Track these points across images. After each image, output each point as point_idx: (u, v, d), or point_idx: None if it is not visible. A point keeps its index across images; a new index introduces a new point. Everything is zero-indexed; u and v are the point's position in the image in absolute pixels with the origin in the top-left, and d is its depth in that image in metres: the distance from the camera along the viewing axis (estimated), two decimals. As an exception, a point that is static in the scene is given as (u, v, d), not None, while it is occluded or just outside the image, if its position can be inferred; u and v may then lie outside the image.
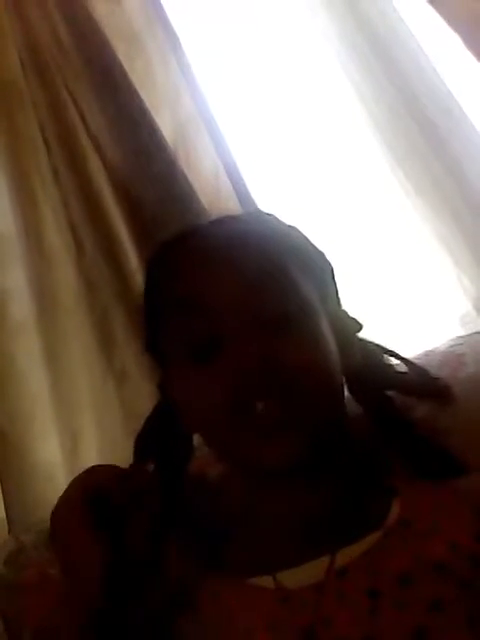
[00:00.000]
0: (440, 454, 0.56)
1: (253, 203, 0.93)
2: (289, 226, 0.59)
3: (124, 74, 0.97)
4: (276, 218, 0.60)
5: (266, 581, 0.49)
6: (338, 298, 0.60)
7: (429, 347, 0.74)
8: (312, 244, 0.59)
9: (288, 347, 0.51)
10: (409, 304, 0.95)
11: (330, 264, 0.60)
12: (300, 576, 0.49)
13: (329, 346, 0.54)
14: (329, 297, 0.58)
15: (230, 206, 0.91)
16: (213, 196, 0.93)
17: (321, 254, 0.59)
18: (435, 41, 0.98)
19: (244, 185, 0.95)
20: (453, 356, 0.70)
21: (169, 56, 1.02)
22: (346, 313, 0.60)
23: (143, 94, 0.96)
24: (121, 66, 0.98)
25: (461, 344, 0.72)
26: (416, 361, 0.63)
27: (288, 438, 0.50)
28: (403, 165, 0.97)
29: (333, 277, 0.60)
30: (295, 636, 0.45)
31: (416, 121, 0.96)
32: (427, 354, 0.72)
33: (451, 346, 0.73)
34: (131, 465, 0.61)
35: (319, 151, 1.01)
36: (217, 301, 0.52)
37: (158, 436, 0.62)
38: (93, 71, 0.99)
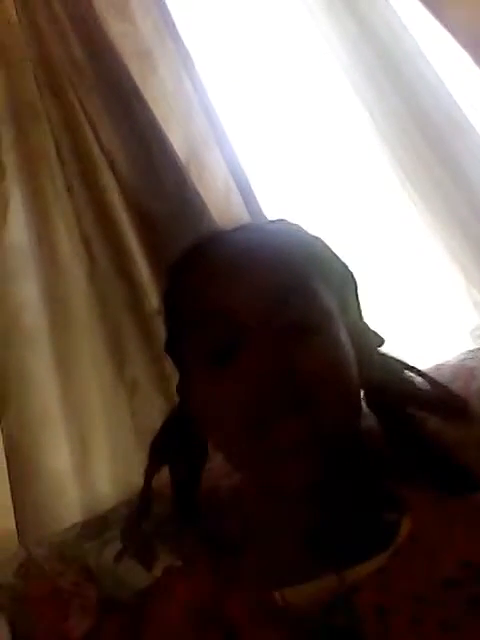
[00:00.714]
0: (457, 470, 0.55)
1: (264, 218, 0.94)
2: (313, 236, 0.59)
3: (137, 91, 0.98)
4: (300, 227, 0.60)
5: (274, 597, 0.49)
6: (360, 311, 0.60)
7: (440, 361, 0.74)
8: (336, 255, 0.59)
9: (307, 357, 0.51)
10: (419, 318, 0.95)
11: (353, 276, 0.59)
12: (308, 592, 0.48)
13: (348, 358, 0.53)
14: (350, 309, 0.57)
15: (241, 221, 0.92)
16: (224, 211, 0.93)
17: (344, 265, 0.59)
18: (442, 54, 0.98)
19: (255, 201, 0.96)
20: (464, 369, 0.70)
21: (181, 73, 1.03)
22: (367, 326, 0.59)
23: (156, 111, 0.97)
24: (134, 83, 0.99)
25: (472, 358, 0.72)
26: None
27: (305, 461, 0.49)
28: (411, 178, 0.97)
29: (356, 289, 0.59)
30: None
31: (423, 134, 0.97)
32: (438, 368, 0.72)
33: (462, 360, 0.72)
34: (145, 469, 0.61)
35: (328, 166, 1.02)
36: (238, 308, 0.52)
37: (173, 440, 0.62)
38: (107, 88, 1.00)
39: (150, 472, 0.61)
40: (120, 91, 1.00)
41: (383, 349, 0.60)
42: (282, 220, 0.61)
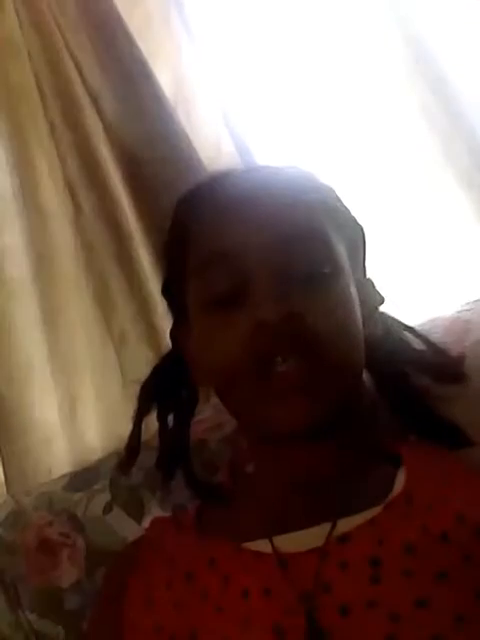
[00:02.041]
0: (448, 426, 0.55)
1: (256, 161, 0.91)
2: (328, 185, 0.57)
3: (123, 26, 0.94)
4: (314, 174, 0.58)
5: (263, 545, 0.49)
6: (365, 267, 0.59)
7: (436, 313, 0.72)
8: (347, 207, 0.58)
9: (316, 306, 0.50)
10: (437, 266, 0.92)
11: (363, 231, 0.58)
12: (299, 541, 0.48)
13: (356, 313, 0.52)
14: (358, 260, 0.57)
15: (231, 164, 0.88)
16: (214, 155, 0.90)
17: (354, 219, 0.58)
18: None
19: (247, 144, 0.93)
20: (459, 322, 0.69)
21: (169, 6, 0.98)
22: (372, 283, 0.59)
23: (142, 46, 0.93)
24: (119, 17, 0.94)
25: (468, 310, 0.71)
26: (422, 327, 0.62)
27: (304, 404, 0.49)
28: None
29: (364, 242, 0.58)
30: (293, 600, 0.45)
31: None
32: (433, 321, 0.71)
33: (458, 312, 0.71)
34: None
35: (324, 106, 0.97)
36: (247, 250, 0.51)
37: (164, 385, 0.61)
38: (90, 23, 0.95)
39: (139, 416, 0.61)
40: (104, 25, 0.95)
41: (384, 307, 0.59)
42: (296, 164, 0.59)
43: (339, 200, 0.57)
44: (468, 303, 0.74)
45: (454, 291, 0.86)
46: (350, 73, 0.96)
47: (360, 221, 0.59)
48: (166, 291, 0.60)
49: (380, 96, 0.94)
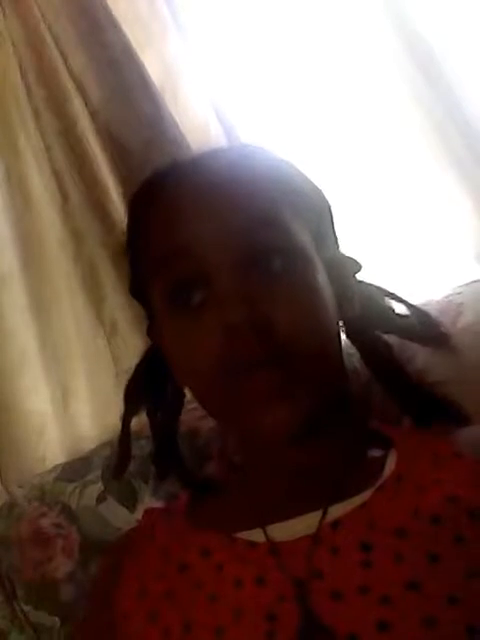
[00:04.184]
0: (433, 400, 0.55)
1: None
2: (283, 160, 0.55)
3: (106, 9, 0.92)
4: (269, 152, 0.56)
5: (256, 534, 0.48)
6: (336, 238, 0.57)
7: (428, 296, 0.72)
8: (308, 181, 0.55)
9: (281, 299, 0.48)
10: (429, 250, 0.91)
11: (327, 202, 0.56)
12: (291, 529, 0.48)
13: (325, 298, 0.51)
14: (326, 239, 0.54)
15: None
16: (202, 140, 0.89)
17: (318, 192, 0.56)
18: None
19: (235, 128, 0.91)
20: (451, 306, 0.68)
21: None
22: (343, 254, 0.57)
23: (127, 30, 0.91)
24: (103, 0, 0.92)
25: (460, 293, 0.71)
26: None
27: (286, 409, 0.48)
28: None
29: (331, 217, 0.56)
30: (286, 588, 0.44)
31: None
32: (425, 304, 0.70)
33: (449, 295, 0.71)
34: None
35: (313, 90, 0.95)
36: (201, 242, 0.49)
37: (149, 383, 0.60)
38: (74, 6, 0.93)
39: (127, 418, 0.60)
40: (88, 11, 0.93)
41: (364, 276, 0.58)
42: (248, 144, 0.57)
43: (298, 175, 0.54)
44: (459, 286, 0.73)
45: (446, 275, 0.86)
46: (340, 57, 0.95)
47: (325, 193, 0.56)
48: (134, 292, 0.58)
49: (371, 80, 0.93)
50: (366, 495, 0.48)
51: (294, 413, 0.48)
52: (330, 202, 0.56)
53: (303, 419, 0.49)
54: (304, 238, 0.51)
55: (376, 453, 0.52)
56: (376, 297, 0.59)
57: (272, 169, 0.54)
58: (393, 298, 0.59)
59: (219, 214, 0.49)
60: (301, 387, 0.48)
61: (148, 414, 0.61)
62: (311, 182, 0.55)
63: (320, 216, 0.54)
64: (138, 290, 0.57)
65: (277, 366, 0.47)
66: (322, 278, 0.51)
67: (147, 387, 0.61)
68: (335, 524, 0.46)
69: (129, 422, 0.60)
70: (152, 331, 0.58)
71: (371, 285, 0.59)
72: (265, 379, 0.47)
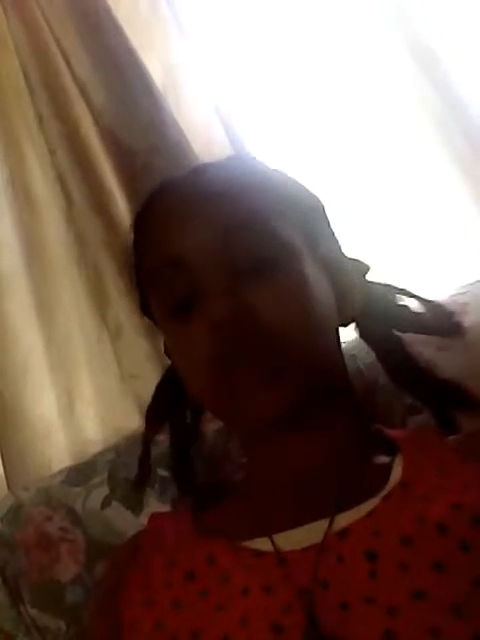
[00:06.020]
0: (447, 385, 0.55)
1: (246, 149, 0.89)
2: (272, 169, 0.57)
3: (109, 13, 0.92)
4: (258, 162, 0.58)
5: (263, 543, 0.48)
6: (335, 241, 0.58)
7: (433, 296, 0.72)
8: (300, 186, 0.57)
9: (267, 294, 0.50)
10: (433, 249, 0.91)
11: (321, 204, 0.58)
12: (297, 538, 0.48)
13: (316, 293, 0.52)
14: (321, 240, 0.55)
15: (223, 153, 0.87)
16: (205, 143, 0.89)
17: (310, 196, 0.57)
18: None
19: (237, 130, 0.91)
20: (456, 305, 0.68)
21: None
22: (343, 254, 0.58)
23: (130, 34, 0.91)
24: (106, 4, 0.93)
25: (464, 293, 0.71)
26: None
27: (273, 390, 0.49)
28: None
29: (326, 219, 0.58)
30: (292, 597, 0.44)
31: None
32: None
33: (454, 296, 0.71)
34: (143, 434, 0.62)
35: (316, 92, 0.95)
36: (192, 256, 0.51)
37: (168, 402, 0.62)
38: (77, 11, 0.94)
39: (148, 437, 0.62)
40: (91, 15, 0.93)
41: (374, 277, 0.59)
42: (239, 156, 0.58)
43: (286, 182, 0.56)
44: (464, 286, 0.73)
45: (450, 274, 0.86)
46: (342, 58, 0.95)
47: (326, 194, 0.58)
48: (144, 310, 0.60)
49: (374, 80, 0.93)
50: (372, 503, 0.47)
51: (280, 396, 0.49)
52: (324, 204, 0.58)
53: (289, 403, 0.50)
54: (290, 234, 0.52)
55: (382, 459, 0.52)
56: (384, 296, 0.59)
57: (259, 176, 0.56)
58: (404, 294, 0.60)
59: (200, 221, 0.52)
60: (287, 374, 0.50)
61: (170, 434, 0.63)
62: (302, 186, 0.57)
63: (313, 218, 0.56)
64: (146, 306, 0.59)
65: (264, 358, 0.49)
66: (313, 275, 0.52)
67: (167, 406, 0.62)
68: (342, 533, 0.46)
69: (150, 441, 0.62)
70: (166, 347, 0.59)
71: (382, 284, 0.60)
72: (252, 372, 0.49)
